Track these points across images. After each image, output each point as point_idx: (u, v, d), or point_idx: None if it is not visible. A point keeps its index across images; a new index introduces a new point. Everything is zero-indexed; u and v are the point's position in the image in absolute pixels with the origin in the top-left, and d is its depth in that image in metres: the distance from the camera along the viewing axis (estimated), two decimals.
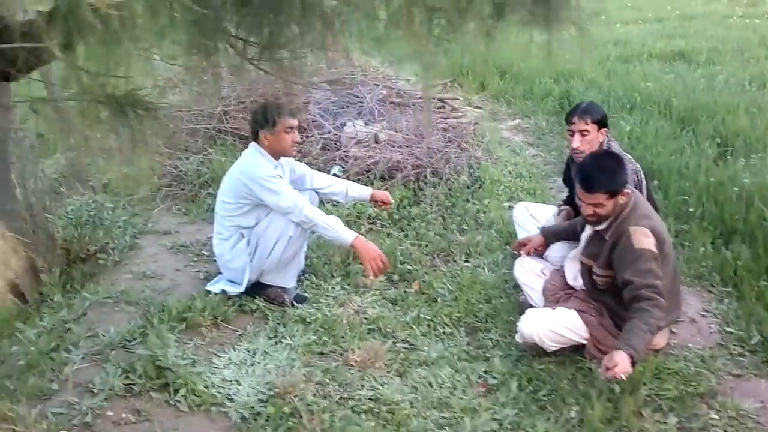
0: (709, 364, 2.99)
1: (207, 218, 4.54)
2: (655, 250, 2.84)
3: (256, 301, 3.51)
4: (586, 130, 3.50)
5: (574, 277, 3.30)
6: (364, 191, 3.91)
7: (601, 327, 3.00)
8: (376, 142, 5.30)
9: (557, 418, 2.73)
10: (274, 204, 3.37)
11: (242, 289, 3.49)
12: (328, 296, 3.65)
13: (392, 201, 4.04)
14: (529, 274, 3.48)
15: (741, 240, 3.81)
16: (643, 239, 2.85)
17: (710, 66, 8.44)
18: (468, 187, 5.07)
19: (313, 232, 3.57)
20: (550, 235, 3.57)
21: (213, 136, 5.50)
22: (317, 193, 3.81)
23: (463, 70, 8.74)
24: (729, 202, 4.13)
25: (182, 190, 4.91)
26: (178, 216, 4.66)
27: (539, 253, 3.57)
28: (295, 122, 3.52)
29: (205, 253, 4.07)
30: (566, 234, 3.47)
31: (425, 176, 5.03)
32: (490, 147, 5.81)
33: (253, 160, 3.47)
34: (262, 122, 3.42)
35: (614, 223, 2.97)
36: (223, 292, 3.48)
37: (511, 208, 4.78)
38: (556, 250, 3.54)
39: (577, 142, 3.53)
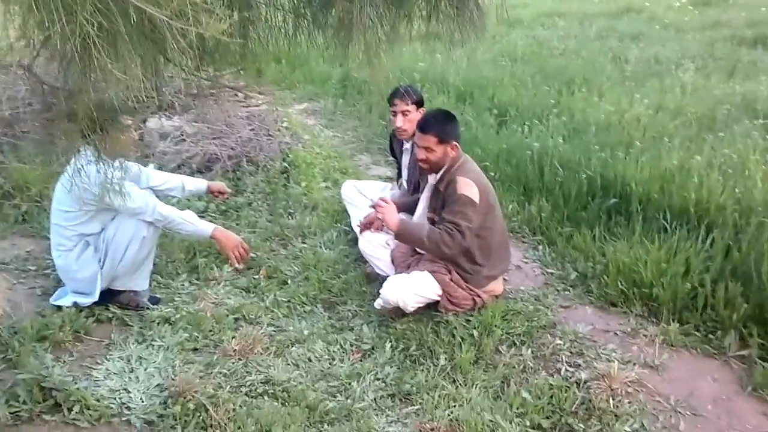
0: (543, 301, 3.52)
1: (18, 231, 4.22)
2: (474, 198, 3.22)
3: (110, 308, 3.39)
4: (408, 111, 3.87)
5: None
6: (200, 184, 3.91)
7: (452, 282, 3.36)
8: (183, 136, 5.23)
9: (431, 367, 3.05)
10: (121, 206, 3.27)
11: (95, 298, 3.35)
12: (180, 293, 3.63)
13: (229, 190, 4.08)
14: (375, 246, 3.76)
15: (540, 196, 4.43)
16: (465, 187, 3.24)
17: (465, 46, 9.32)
18: (283, 173, 5.21)
19: (168, 230, 3.52)
20: (398, 203, 3.82)
21: (4, 142, 5.01)
22: (153, 191, 3.73)
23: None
24: (522, 164, 4.76)
25: None
26: None
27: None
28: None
29: (31, 268, 3.80)
30: (409, 207, 3.78)
31: (241, 165, 5.09)
32: (294, 132, 5.98)
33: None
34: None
35: (446, 175, 3.36)
36: (75, 304, 3.31)
37: (329, 188, 5.06)
38: None
39: (399, 121, 3.91)
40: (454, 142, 3.35)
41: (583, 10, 11.85)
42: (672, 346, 3.12)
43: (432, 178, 3.48)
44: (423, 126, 3.39)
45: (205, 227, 3.48)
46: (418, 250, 3.61)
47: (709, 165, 4.18)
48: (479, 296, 3.38)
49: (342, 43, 2.07)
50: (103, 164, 2.51)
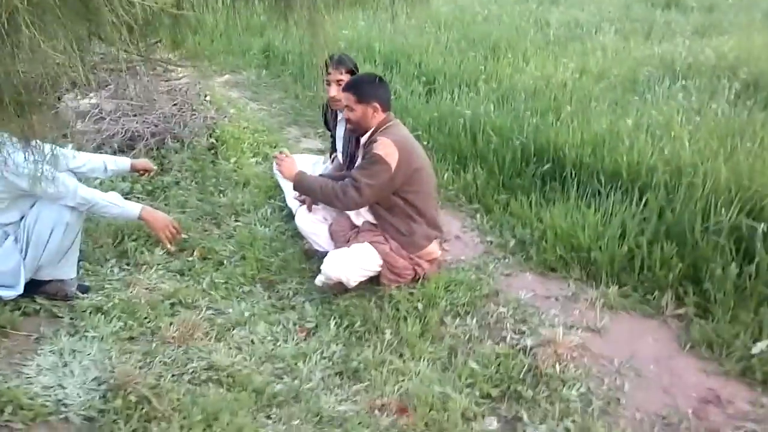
0: (484, 270, 3.53)
1: None
2: (387, 159, 3.19)
3: (36, 300, 3.20)
4: (341, 80, 3.77)
5: (355, 213, 3.59)
6: (123, 163, 3.73)
7: (392, 252, 3.33)
8: (102, 114, 4.97)
9: (377, 343, 3.02)
10: (41, 191, 3.07)
11: (19, 291, 3.15)
12: (110, 280, 3.46)
13: (154, 167, 3.91)
14: (312, 222, 3.68)
15: (474, 163, 4.43)
16: (381, 147, 3.22)
17: (386, 11, 9.19)
18: (211, 149, 5.04)
19: (92, 214, 3.34)
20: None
21: None
22: (73, 173, 3.53)
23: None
24: (455, 132, 4.75)
25: None
26: None
27: None
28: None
29: None
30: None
31: (165, 143, 4.89)
32: (219, 106, 5.79)
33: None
34: None
35: (371, 137, 3.36)
36: None
37: (259, 164, 4.92)
38: None
39: (333, 91, 3.81)
40: (375, 103, 3.34)
41: None
42: (612, 308, 3.19)
43: (362, 141, 3.46)
44: (345, 85, 3.47)
45: (132, 208, 3.32)
46: (354, 222, 3.58)
47: (636, 127, 4.27)
48: (419, 265, 3.36)
49: (281, 12, 1.98)
50: (32, 150, 2.34)
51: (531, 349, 2.90)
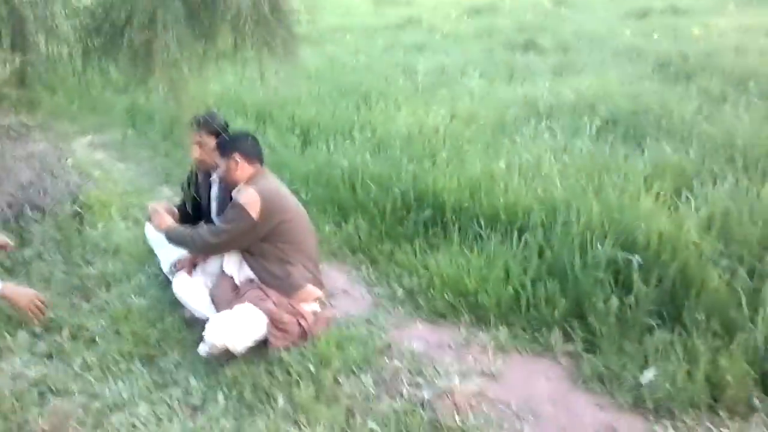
0: (375, 323, 3.47)
1: None
2: (249, 210, 3.21)
3: None
4: (202, 142, 3.67)
5: (238, 269, 3.45)
6: None
7: (275, 306, 3.21)
8: None
9: (270, 411, 2.87)
10: None
11: None
12: None
13: (11, 242, 3.59)
14: (191, 288, 3.50)
15: (356, 214, 4.39)
16: (244, 197, 3.24)
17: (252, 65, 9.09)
18: (75, 216, 4.72)
19: None
20: None
21: None
22: None
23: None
24: (333, 183, 4.70)
25: None
26: None
27: (203, 260, 3.62)
28: None
29: None
30: None
31: (24, 213, 4.54)
32: (82, 170, 5.47)
33: None
34: None
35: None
36: None
37: (129, 228, 4.66)
38: (215, 261, 3.62)
39: (195, 152, 3.74)
40: (236, 156, 3.40)
41: (366, 23, 12.16)
42: (504, 350, 3.21)
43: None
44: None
45: None
46: (237, 284, 3.44)
47: (509, 169, 4.39)
48: (302, 316, 3.27)
49: (140, 74, 1.87)
50: None
51: (429, 401, 2.85)
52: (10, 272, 4.00)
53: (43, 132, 6.93)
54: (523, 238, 3.66)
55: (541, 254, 3.55)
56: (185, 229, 3.46)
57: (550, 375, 3.05)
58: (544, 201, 3.88)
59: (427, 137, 5.29)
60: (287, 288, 3.29)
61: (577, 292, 3.27)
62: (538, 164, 4.43)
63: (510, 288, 3.39)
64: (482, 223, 3.90)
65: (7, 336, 3.37)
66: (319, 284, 3.45)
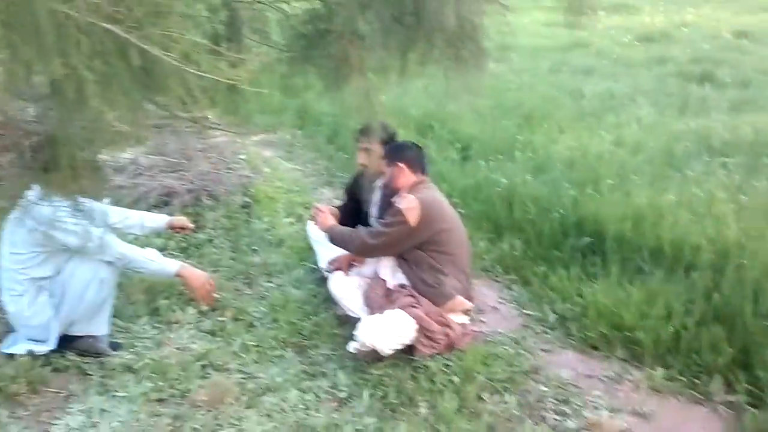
0: (522, 344, 3.43)
1: None
2: (407, 217, 3.28)
3: (67, 356, 3.16)
4: (369, 149, 3.80)
5: (392, 274, 3.54)
6: (160, 220, 3.74)
7: (426, 315, 3.25)
8: (140, 170, 5.02)
9: (412, 417, 2.91)
10: (78, 247, 3.06)
11: (52, 346, 3.12)
12: (141, 338, 3.42)
13: (191, 225, 3.91)
14: (346, 287, 3.62)
15: (511, 233, 4.37)
16: (405, 203, 3.33)
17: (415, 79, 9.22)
18: (244, 207, 5.04)
19: (129, 270, 3.31)
20: None
21: None
22: (111, 228, 3.52)
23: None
24: (491, 200, 4.70)
25: None
26: None
27: (359, 262, 3.75)
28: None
29: None
30: None
31: (200, 200, 4.90)
32: (254, 165, 5.82)
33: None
34: None
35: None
36: (30, 352, 3.07)
37: (292, 224, 4.90)
38: (371, 264, 3.73)
39: (361, 158, 3.88)
40: (401, 164, 3.51)
41: (533, 44, 12.02)
42: (658, 391, 3.06)
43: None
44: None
45: (170, 265, 3.30)
46: (390, 288, 3.52)
47: (678, 204, 4.20)
48: (450, 326, 3.29)
49: (336, 81, 2.00)
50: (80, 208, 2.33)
51: None
52: (185, 252, 4.34)
53: (220, 127, 7.45)
54: (689, 278, 3.49)
55: (707, 297, 3.36)
56: (345, 229, 3.61)
57: (706, 424, 2.88)
58: (715, 241, 3.67)
59: (591, 163, 5.16)
60: (437, 296, 3.33)
61: (745, 341, 3.06)
62: (710, 201, 4.20)
63: (671, 328, 3.23)
64: (645, 256, 3.76)
65: (178, 310, 3.64)
66: (469, 297, 3.47)
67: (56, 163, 1.79)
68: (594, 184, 4.70)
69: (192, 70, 1.30)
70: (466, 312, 3.44)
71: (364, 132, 3.84)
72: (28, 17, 1.11)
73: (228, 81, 1.38)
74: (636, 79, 8.89)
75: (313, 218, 3.93)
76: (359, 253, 3.62)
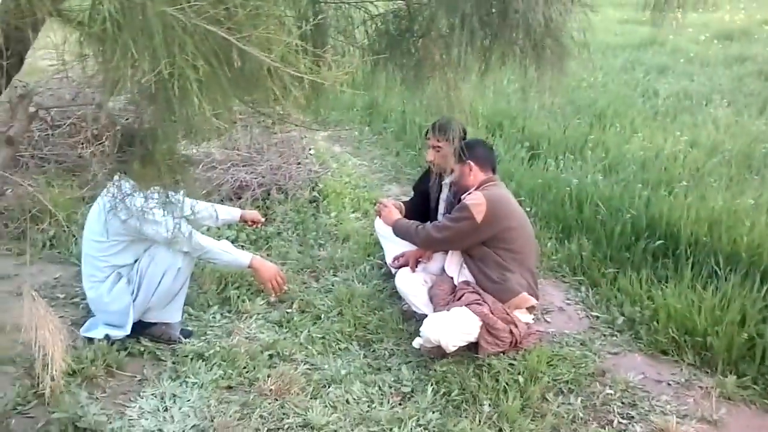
0: (589, 346, 3.39)
1: (46, 257, 4.12)
2: (474, 212, 3.29)
3: (141, 341, 3.29)
4: (439, 147, 3.80)
5: (458, 271, 3.55)
6: (233, 213, 3.84)
7: (490, 313, 3.25)
8: (213, 163, 5.16)
9: (475, 414, 2.91)
10: (158, 236, 3.18)
11: (127, 332, 3.24)
12: (212, 327, 3.53)
13: (263, 219, 4.00)
14: (412, 284, 3.64)
15: (580, 234, 4.31)
16: (472, 199, 3.35)
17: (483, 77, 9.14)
18: (312, 202, 5.12)
19: (204, 260, 3.42)
20: None
21: (26, 163, 4.95)
22: (185, 220, 3.63)
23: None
24: (559, 200, 4.65)
25: (6, 227, 4.37)
26: (8, 257, 4.15)
27: (426, 259, 3.77)
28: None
29: (60, 296, 3.70)
30: None
31: (270, 194, 5.00)
32: (322, 160, 5.90)
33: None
34: None
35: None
36: (107, 337, 3.21)
37: (359, 219, 4.95)
38: (437, 261, 3.75)
39: (430, 156, 3.88)
40: (471, 163, 3.50)
41: (606, 42, 11.77)
42: (729, 399, 2.98)
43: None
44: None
45: (243, 257, 3.39)
46: (456, 285, 3.54)
47: (756, 207, 4.06)
48: (515, 324, 3.27)
49: (417, 80, 2.04)
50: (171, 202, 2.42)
51: None
52: (254, 244, 4.44)
53: (293, 122, 7.56)
54: (765, 284, 3.37)
55: None
56: (411, 222, 3.66)
57: None
58: None
59: (664, 163, 5.03)
60: (502, 292, 3.31)
61: None
62: None
63: (744, 334, 3.14)
64: (720, 261, 3.65)
65: (247, 301, 3.73)
66: (535, 296, 3.44)
67: (152, 157, 1.87)
68: (667, 185, 4.59)
69: (290, 71, 1.35)
70: (531, 310, 3.41)
71: (435, 129, 3.85)
72: (140, 19, 1.18)
73: (324, 82, 1.43)
74: (713, 78, 8.61)
75: (378, 213, 3.98)
76: (424, 245, 3.64)
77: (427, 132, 3.94)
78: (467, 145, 3.58)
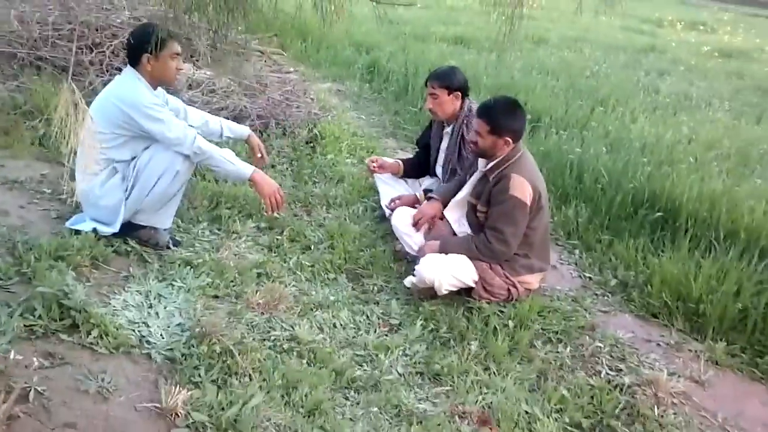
0: (580, 303, 3.36)
1: (32, 153, 3.99)
2: (525, 200, 3.11)
3: (129, 242, 3.18)
4: (435, 94, 3.73)
5: (457, 220, 3.49)
6: (241, 130, 3.72)
7: (489, 269, 3.20)
8: (214, 88, 5.04)
9: (463, 351, 2.88)
10: (160, 134, 3.07)
11: (115, 229, 3.14)
12: (200, 240, 3.45)
13: (267, 155, 3.88)
14: (409, 224, 3.58)
15: (577, 201, 4.29)
16: (519, 188, 3.11)
17: (489, 53, 9.07)
18: (309, 142, 5.03)
19: (204, 166, 3.32)
20: (447, 199, 3.60)
21: (28, 63, 4.78)
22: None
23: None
24: (559, 169, 4.62)
25: None
26: None
27: (439, 218, 3.59)
28: (179, 48, 3.24)
29: (46, 190, 3.57)
30: (457, 190, 3.57)
31: (269, 127, 4.91)
32: (322, 105, 5.80)
33: (132, 85, 3.12)
34: (147, 45, 3.07)
35: (500, 167, 3.20)
36: (95, 231, 3.10)
37: (355, 164, 4.87)
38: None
39: (428, 103, 3.80)
40: (508, 137, 3.16)
41: (607, 42, 11.79)
42: (717, 364, 2.98)
43: (482, 164, 3.33)
44: (479, 110, 3.29)
45: (244, 168, 3.30)
46: (455, 231, 3.48)
47: (756, 195, 4.06)
48: (515, 286, 3.22)
49: None
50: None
51: (629, 387, 2.71)
52: None
53: (292, 68, 7.47)
54: (764, 261, 3.37)
55: None
56: (463, 240, 3.30)
57: (765, 400, 2.79)
58: None
59: (665, 148, 5.03)
60: (506, 267, 3.22)
61: None
62: None
63: (739, 304, 3.13)
64: (720, 236, 3.65)
65: (238, 222, 3.64)
66: (545, 264, 3.37)
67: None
68: (670, 164, 4.59)
69: None
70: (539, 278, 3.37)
71: (434, 76, 3.77)
72: None
73: None
74: (712, 86, 8.66)
75: (372, 171, 4.07)
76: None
77: (426, 80, 3.85)
78: (508, 116, 3.20)
